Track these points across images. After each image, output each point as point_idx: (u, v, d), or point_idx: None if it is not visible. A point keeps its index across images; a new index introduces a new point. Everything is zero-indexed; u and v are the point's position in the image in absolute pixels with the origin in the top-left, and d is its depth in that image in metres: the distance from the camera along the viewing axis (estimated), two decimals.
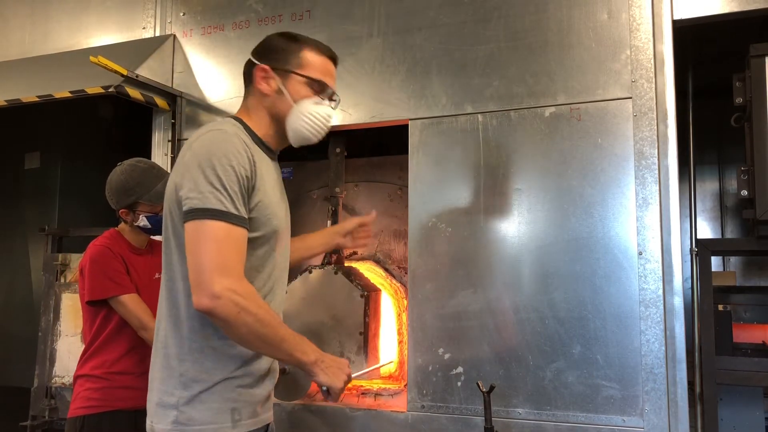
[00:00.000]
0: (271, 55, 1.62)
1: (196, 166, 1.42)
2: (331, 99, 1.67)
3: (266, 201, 1.53)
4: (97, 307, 2.19)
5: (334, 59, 1.69)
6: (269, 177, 1.59)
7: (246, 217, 1.45)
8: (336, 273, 2.66)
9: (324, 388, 1.56)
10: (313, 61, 1.63)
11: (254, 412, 1.54)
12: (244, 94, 1.68)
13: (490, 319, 2.28)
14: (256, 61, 1.61)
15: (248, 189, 1.47)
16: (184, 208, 1.41)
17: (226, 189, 1.40)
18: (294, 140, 1.66)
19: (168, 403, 1.47)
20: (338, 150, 2.89)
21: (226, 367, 1.49)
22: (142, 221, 2.24)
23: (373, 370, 2.50)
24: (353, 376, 1.67)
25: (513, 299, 2.27)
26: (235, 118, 1.62)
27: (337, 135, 2.86)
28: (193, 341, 1.48)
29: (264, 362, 1.59)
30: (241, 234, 1.43)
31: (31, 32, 3.42)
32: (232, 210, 1.40)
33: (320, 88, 1.64)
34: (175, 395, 1.47)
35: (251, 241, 1.49)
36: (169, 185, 1.54)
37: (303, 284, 2.71)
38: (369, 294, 2.64)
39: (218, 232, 1.38)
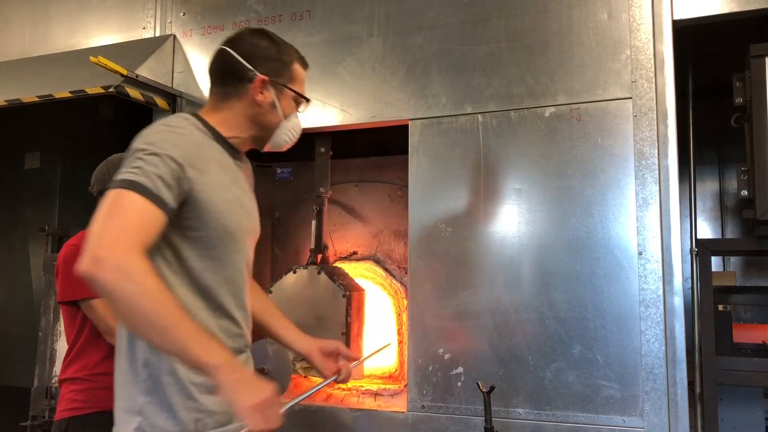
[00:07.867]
0: (268, 65, 1.57)
1: (131, 154, 1.38)
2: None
3: (214, 198, 1.45)
4: (74, 308, 2.15)
5: (307, 68, 1.70)
6: (224, 175, 1.52)
7: (171, 206, 1.36)
8: (319, 273, 2.65)
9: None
10: (299, 74, 1.64)
11: (218, 421, 1.47)
12: (218, 90, 1.58)
13: (490, 319, 2.28)
14: (251, 67, 1.55)
15: (182, 180, 1.38)
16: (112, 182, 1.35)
17: (155, 172, 1.33)
18: (269, 148, 1.65)
19: (132, 408, 1.42)
20: (323, 150, 2.85)
21: (195, 374, 1.39)
22: None
23: (370, 355, 2.49)
24: (352, 365, 1.67)
25: (513, 299, 2.26)
26: (193, 114, 1.54)
27: (321, 135, 2.83)
28: None
29: None
30: (156, 215, 1.33)
31: (31, 32, 3.42)
32: (154, 191, 1.32)
33: (301, 102, 1.65)
34: (138, 401, 1.41)
35: (198, 240, 1.43)
36: None
37: (287, 284, 2.69)
38: (351, 294, 2.62)
39: (134, 203, 1.30)
